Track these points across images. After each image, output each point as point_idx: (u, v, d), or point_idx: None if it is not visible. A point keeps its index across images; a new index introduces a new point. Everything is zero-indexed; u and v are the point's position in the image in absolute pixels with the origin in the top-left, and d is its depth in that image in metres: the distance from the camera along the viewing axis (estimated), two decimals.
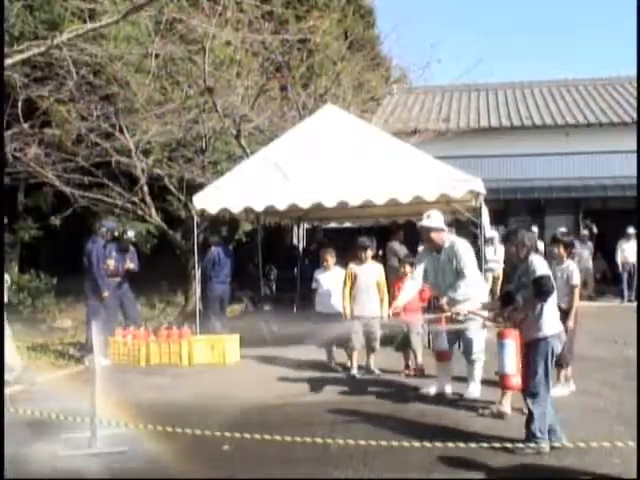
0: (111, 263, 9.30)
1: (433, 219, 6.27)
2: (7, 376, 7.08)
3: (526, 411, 4.70)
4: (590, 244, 15.32)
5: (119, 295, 9.38)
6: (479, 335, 6.19)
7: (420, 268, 6.42)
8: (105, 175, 12.48)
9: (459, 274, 6.12)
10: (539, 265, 4.64)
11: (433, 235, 6.24)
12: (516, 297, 4.80)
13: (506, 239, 4.99)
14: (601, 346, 9.16)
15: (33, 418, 4.12)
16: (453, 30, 53.58)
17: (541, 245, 14.05)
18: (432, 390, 6.48)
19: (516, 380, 4.83)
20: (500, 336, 4.86)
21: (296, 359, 8.17)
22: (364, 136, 9.61)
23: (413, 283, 6.48)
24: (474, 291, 6.16)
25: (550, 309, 4.66)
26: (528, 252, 4.74)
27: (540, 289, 4.55)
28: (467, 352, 6.30)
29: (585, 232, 15.42)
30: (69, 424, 4.52)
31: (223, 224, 14.11)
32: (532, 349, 4.62)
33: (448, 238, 6.31)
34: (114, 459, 4.62)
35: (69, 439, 4.84)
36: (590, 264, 15.08)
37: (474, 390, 6.28)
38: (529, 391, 4.58)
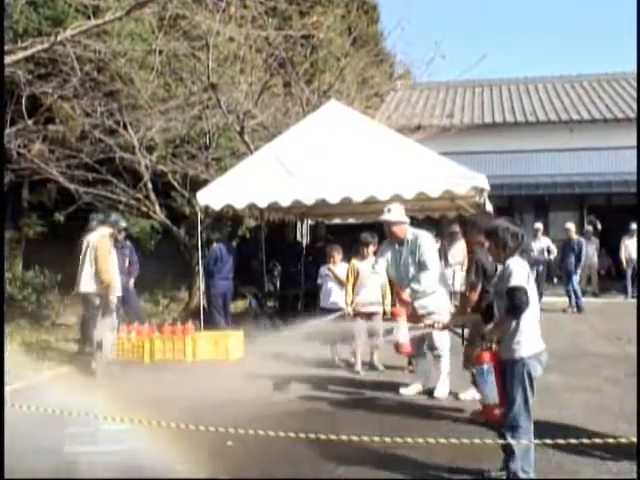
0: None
1: (394, 213, 6.31)
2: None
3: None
4: (595, 240, 15.31)
5: (122, 293, 9.33)
6: (442, 332, 6.03)
7: (382, 261, 6.43)
8: (109, 171, 12.48)
9: (422, 267, 6.15)
10: (516, 272, 3.89)
11: (395, 229, 6.29)
12: (494, 309, 4.15)
13: (488, 237, 4.15)
14: (604, 343, 9.17)
15: (36, 414, 4.12)
16: (457, 26, 53.49)
17: (547, 241, 14.07)
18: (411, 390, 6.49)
19: (499, 410, 4.10)
20: (478, 360, 4.13)
21: (300, 355, 8.17)
22: (368, 132, 9.58)
23: (376, 277, 6.50)
24: (437, 285, 6.18)
25: (528, 325, 3.93)
26: (510, 254, 4.00)
27: (511, 303, 3.84)
28: (431, 347, 6.34)
29: (589, 228, 15.41)
30: (72, 420, 4.52)
31: (227, 220, 14.12)
32: (508, 373, 3.95)
33: (411, 231, 6.34)
34: (117, 455, 4.63)
35: (72, 435, 4.85)
36: (595, 260, 15.10)
37: (442, 391, 6.27)
38: (507, 423, 3.93)
